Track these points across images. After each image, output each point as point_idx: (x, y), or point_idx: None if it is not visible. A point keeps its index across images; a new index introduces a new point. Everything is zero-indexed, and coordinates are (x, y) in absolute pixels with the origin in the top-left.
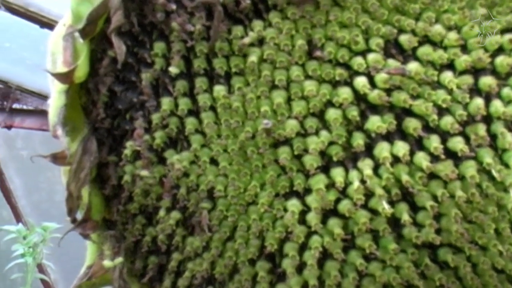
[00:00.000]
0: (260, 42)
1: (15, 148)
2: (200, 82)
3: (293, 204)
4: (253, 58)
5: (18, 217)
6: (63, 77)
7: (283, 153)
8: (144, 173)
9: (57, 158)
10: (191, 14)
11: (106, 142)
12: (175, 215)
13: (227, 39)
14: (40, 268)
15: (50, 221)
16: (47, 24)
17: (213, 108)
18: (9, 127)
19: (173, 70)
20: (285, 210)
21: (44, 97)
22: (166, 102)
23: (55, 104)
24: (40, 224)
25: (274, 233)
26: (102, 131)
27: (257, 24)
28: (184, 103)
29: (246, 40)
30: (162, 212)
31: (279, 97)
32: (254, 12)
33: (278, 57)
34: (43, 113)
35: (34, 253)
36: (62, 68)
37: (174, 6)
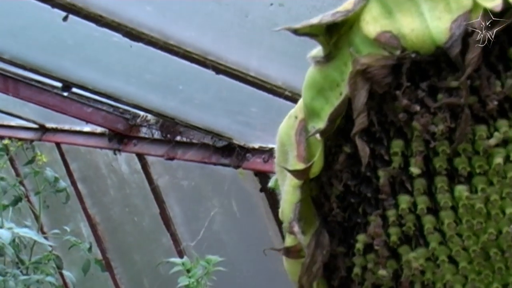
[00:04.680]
0: (505, 141)
1: (176, 178)
2: (441, 182)
3: None
4: (499, 160)
5: (177, 244)
6: (299, 174)
7: None
8: (382, 272)
9: (290, 252)
10: (433, 114)
11: (336, 234)
12: None
13: (470, 139)
14: None
15: (207, 250)
16: (223, 71)
17: (452, 207)
18: (171, 158)
19: (415, 170)
20: None
21: (205, 132)
22: (404, 201)
23: (289, 199)
24: (203, 257)
25: None
26: (333, 224)
27: (502, 123)
28: (423, 202)
29: (492, 141)
30: None
31: None
32: (498, 111)
33: None
34: (204, 147)
35: (198, 286)
36: (297, 163)
37: (418, 107)
